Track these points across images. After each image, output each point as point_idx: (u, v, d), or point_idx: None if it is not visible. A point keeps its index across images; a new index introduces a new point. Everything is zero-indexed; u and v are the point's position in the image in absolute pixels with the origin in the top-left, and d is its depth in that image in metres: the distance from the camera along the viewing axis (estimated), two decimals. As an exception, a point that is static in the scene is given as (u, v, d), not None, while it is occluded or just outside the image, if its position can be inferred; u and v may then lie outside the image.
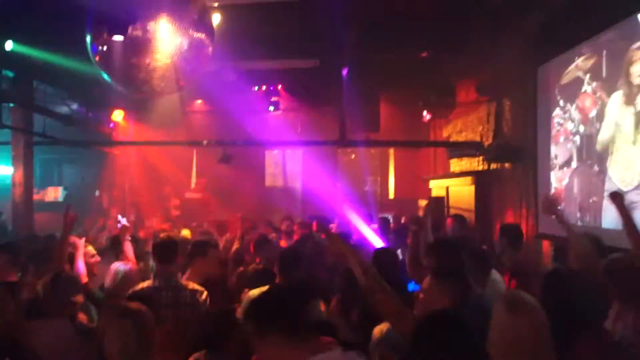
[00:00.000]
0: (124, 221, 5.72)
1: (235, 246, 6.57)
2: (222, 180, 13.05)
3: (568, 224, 4.54)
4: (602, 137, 6.17)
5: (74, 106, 10.09)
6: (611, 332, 3.21)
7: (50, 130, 9.97)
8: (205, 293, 4.26)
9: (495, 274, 4.41)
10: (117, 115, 10.85)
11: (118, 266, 5.04)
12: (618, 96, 5.86)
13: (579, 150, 6.75)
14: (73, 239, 4.81)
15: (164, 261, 4.41)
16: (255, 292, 3.95)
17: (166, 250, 4.46)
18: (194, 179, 14.56)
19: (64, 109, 9.98)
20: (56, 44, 7.81)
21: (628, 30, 5.65)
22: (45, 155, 11.86)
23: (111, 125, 10.82)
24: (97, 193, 11.72)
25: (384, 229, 8.42)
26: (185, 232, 8.90)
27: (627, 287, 3.30)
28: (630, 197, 5.37)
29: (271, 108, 12.29)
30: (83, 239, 4.99)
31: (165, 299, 4.07)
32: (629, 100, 5.66)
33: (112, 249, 5.81)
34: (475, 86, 9.65)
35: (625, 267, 3.40)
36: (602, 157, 6.18)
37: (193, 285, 4.29)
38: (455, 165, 11.36)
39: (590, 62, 6.40)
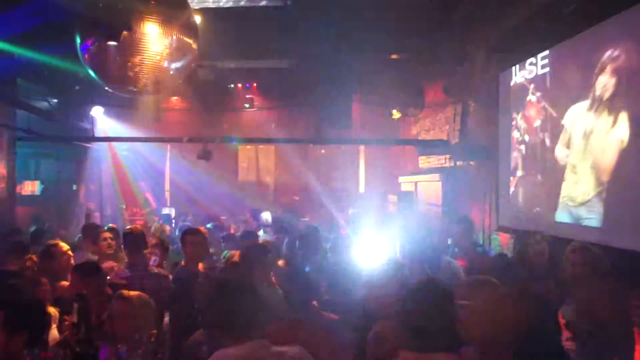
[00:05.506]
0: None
1: None
2: (195, 176, 13.23)
3: None
4: (557, 151, 6.25)
5: (54, 102, 10.23)
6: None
7: (28, 125, 10.01)
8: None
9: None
10: (97, 111, 11.02)
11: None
12: (570, 115, 5.96)
13: (524, 159, 7.08)
14: None
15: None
16: None
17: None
18: (167, 175, 14.77)
19: (43, 104, 10.11)
20: (39, 42, 7.95)
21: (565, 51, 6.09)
22: (22, 149, 11.91)
23: (90, 120, 11.01)
24: (74, 187, 11.87)
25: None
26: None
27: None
28: (577, 212, 5.72)
29: (246, 105, 12.66)
30: None
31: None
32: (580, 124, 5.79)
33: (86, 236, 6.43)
34: (442, 88, 10.17)
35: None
36: (548, 170, 6.37)
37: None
38: (424, 162, 11.86)
39: (535, 73, 6.72)
